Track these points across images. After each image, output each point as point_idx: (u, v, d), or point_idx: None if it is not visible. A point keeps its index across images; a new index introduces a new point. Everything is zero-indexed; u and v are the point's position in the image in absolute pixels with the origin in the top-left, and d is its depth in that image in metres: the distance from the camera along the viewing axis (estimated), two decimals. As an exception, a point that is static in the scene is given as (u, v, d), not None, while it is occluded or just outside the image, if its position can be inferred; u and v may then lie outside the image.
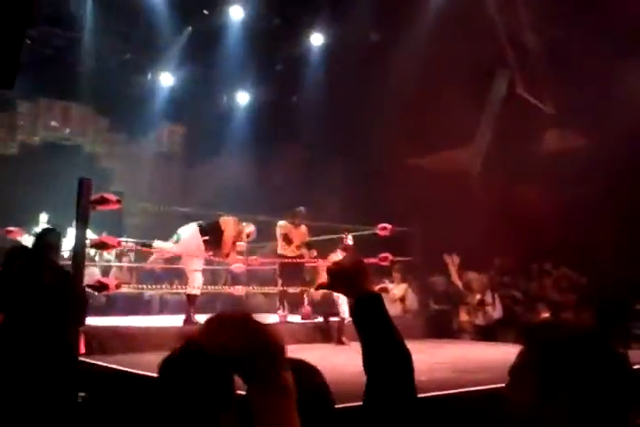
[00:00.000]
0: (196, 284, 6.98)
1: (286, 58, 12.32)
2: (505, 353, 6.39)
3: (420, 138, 9.26)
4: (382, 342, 1.43)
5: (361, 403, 1.46)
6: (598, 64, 7.89)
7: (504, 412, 1.29)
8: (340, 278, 1.49)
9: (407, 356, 1.44)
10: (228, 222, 7.20)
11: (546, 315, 7.18)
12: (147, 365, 4.81)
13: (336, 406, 1.58)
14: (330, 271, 1.51)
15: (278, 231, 7.93)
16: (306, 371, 1.52)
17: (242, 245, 7.72)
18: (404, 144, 9.39)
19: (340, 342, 7.06)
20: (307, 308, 8.02)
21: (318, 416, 1.44)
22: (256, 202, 10.30)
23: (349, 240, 7.57)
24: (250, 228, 7.37)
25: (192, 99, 13.40)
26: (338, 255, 7.18)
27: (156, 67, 13.28)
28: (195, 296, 7.01)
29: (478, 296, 8.27)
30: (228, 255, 7.23)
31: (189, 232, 7.10)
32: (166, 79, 13.45)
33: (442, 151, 9.85)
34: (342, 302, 6.94)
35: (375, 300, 1.47)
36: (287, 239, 7.89)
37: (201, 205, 10.00)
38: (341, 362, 5.20)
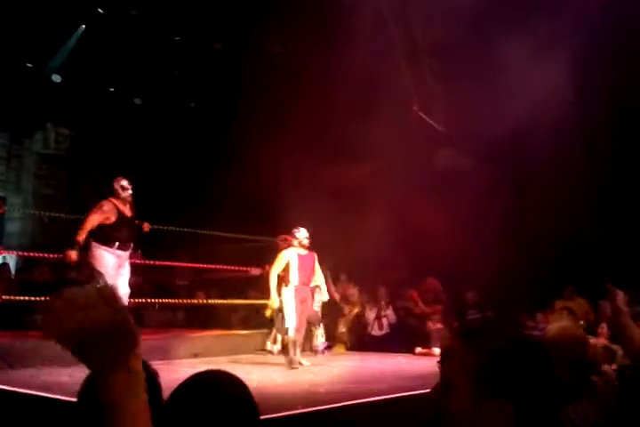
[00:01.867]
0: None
1: (186, 62, 12.07)
2: (398, 364, 6.58)
3: (316, 152, 9.30)
4: None
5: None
6: (487, 85, 8.28)
7: (435, 418, 1.29)
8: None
9: None
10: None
11: (438, 326, 7.41)
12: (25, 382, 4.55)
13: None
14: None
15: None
16: (228, 380, 1.50)
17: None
18: (301, 157, 9.40)
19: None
20: None
21: (242, 424, 1.43)
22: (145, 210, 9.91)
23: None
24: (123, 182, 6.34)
25: (81, 100, 12.78)
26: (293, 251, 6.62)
27: (43, 64, 12.59)
28: None
29: (356, 310, 8.47)
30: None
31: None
32: (54, 78, 12.77)
33: (339, 165, 9.92)
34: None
35: None
36: None
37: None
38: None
